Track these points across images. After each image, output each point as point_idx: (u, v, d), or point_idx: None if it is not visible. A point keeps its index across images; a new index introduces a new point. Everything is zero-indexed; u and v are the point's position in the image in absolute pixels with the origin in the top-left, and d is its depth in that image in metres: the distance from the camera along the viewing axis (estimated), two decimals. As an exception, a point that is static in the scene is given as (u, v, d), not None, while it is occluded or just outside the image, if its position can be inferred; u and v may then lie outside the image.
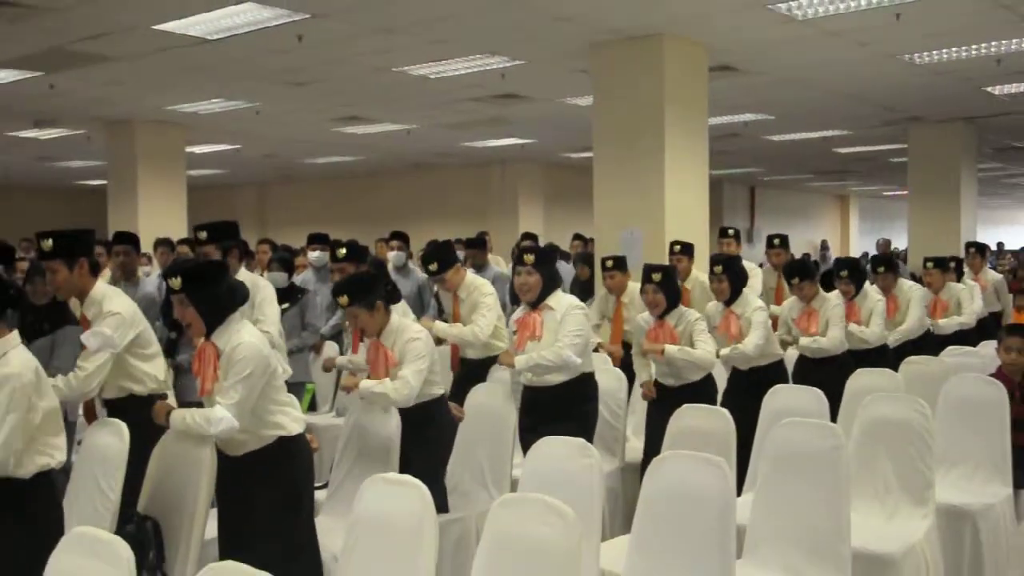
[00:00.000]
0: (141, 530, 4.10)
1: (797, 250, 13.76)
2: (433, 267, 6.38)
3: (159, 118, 13.79)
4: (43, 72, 10.56)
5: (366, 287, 4.93)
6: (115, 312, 4.79)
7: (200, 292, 4.10)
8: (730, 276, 6.27)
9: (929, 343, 8.05)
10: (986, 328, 8.96)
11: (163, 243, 11.20)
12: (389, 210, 20.53)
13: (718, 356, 6.14)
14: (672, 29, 8.99)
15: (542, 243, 12.36)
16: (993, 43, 9.82)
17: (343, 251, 6.71)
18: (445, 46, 9.53)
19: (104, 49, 9.50)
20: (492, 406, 5.42)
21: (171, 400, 4.91)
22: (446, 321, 6.62)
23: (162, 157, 14.45)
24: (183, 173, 14.94)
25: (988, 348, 7.15)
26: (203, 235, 5.67)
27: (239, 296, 4.28)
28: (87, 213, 16.96)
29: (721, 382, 6.34)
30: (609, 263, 7.56)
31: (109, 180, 14.99)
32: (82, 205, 21.41)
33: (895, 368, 6.39)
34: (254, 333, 4.21)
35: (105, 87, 11.35)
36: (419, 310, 8.06)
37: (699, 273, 8.19)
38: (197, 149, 16.41)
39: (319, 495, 5.16)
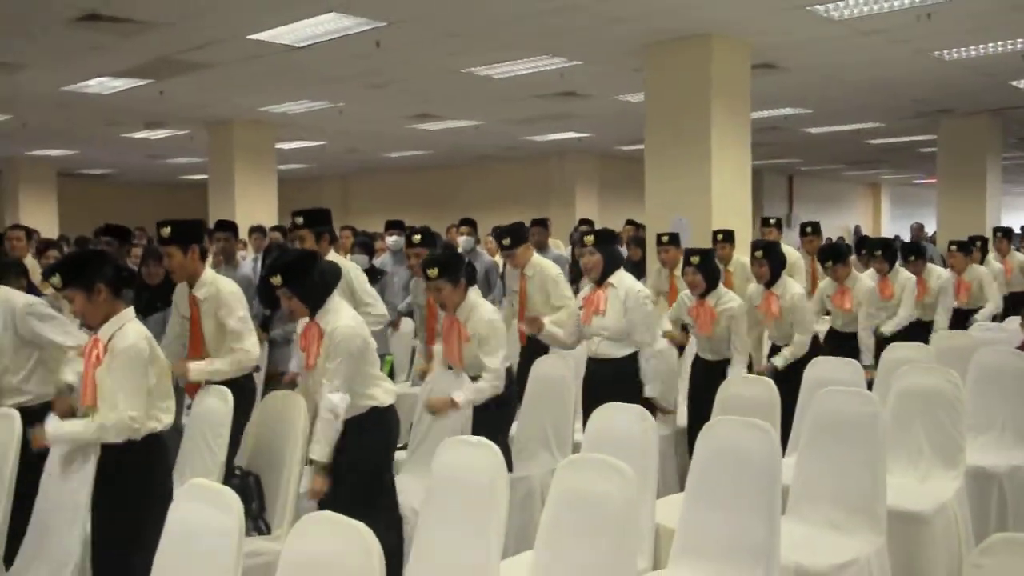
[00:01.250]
0: (244, 483, 4.19)
1: (833, 235, 13.58)
2: (506, 242, 6.44)
3: (253, 118, 13.93)
4: (153, 80, 10.73)
5: (455, 264, 4.95)
6: (233, 291, 4.93)
7: (298, 283, 4.16)
8: (770, 260, 6.23)
9: (955, 321, 8.02)
10: (1013, 306, 8.84)
11: (256, 230, 11.36)
12: (458, 199, 20.59)
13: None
14: (718, 30, 8.90)
15: (596, 228, 12.33)
16: (1019, 40, 9.61)
17: (418, 237, 6.74)
18: (509, 49, 9.52)
19: (206, 58, 9.62)
20: (555, 376, 5.42)
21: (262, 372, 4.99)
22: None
23: (256, 153, 14.59)
24: (274, 167, 15.08)
25: (1013, 323, 7.06)
26: (299, 220, 5.71)
27: (332, 277, 4.32)
28: (190, 204, 17.21)
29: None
30: (665, 238, 7.67)
31: (209, 174, 15.19)
32: (185, 197, 21.72)
33: (926, 342, 6.33)
34: (351, 315, 4.26)
35: (206, 92, 11.50)
36: (485, 291, 8.10)
37: (740, 256, 8.16)
38: (286, 145, 16.57)
39: (399, 455, 5.22)
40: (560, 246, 11.41)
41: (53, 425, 3.71)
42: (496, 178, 21.38)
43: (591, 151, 19.42)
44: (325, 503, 4.01)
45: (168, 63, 9.81)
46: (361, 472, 4.22)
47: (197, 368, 4.75)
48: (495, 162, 20.98)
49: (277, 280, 4.16)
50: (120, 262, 4.00)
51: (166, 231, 4.92)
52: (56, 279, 3.76)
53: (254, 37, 8.75)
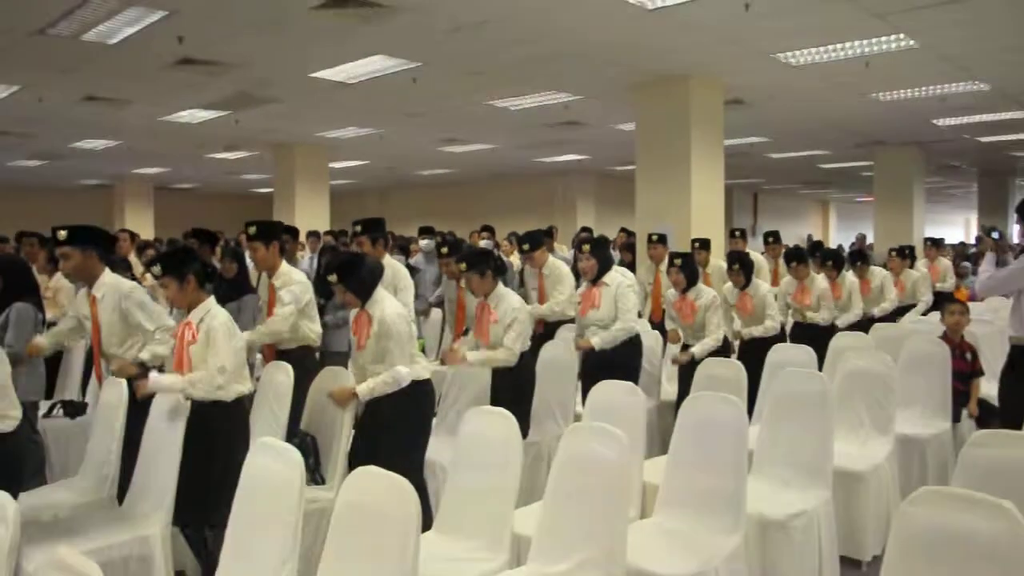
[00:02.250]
0: (303, 443, 4.16)
1: (790, 243, 13.50)
2: (525, 247, 6.43)
3: (311, 142, 13.96)
4: (231, 111, 10.80)
5: (480, 258, 4.96)
6: (301, 280, 4.96)
7: (350, 279, 4.16)
8: (744, 270, 6.24)
9: (891, 314, 8.02)
10: (938, 303, 8.83)
11: (312, 234, 11.38)
12: (478, 209, 20.56)
13: (738, 336, 6.32)
14: (696, 72, 8.89)
15: (592, 236, 12.32)
16: (939, 86, 9.69)
17: (445, 249, 6.64)
18: (522, 85, 9.52)
19: (274, 93, 9.66)
20: (559, 358, 5.38)
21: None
22: (524, 294, 6.63)
23: (312, 171, 14.63)
24: (327, 182, 15.10)
25: (937, 317, 7.02)
26: (358, 228, 5.69)
27: (378, 274, 4.32)
28: (258, 213, 17.14)
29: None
30: (654, 237, 7.72)
31: (275, 188, 15.22)
32: (254, 207, 21.67)
33: (867, 332, 6.32)
34: (395, 304, 4.24)
35: (274, 120, 11.53)
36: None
37: (716, 260, 8.12)
38: (337, 164, 16.55)
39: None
40: (564, 250, 11.40)
41: (154, 377, 3.72)
42: (510, 192, 21.34)
43: (590, 171, 19.38)
44: (367, 458, 3.96)
45: (244, 97, 9.85)
46: (401, 433, 4.17)
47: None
48: (509, 179, 20.95)
49: (333, 278, 4.17)
50: (207, 260, 4.01)
51: (252, 229, 4.93)
52: (157, 268, 3.81)
53: (314, 75, 8.77)
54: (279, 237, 5.10)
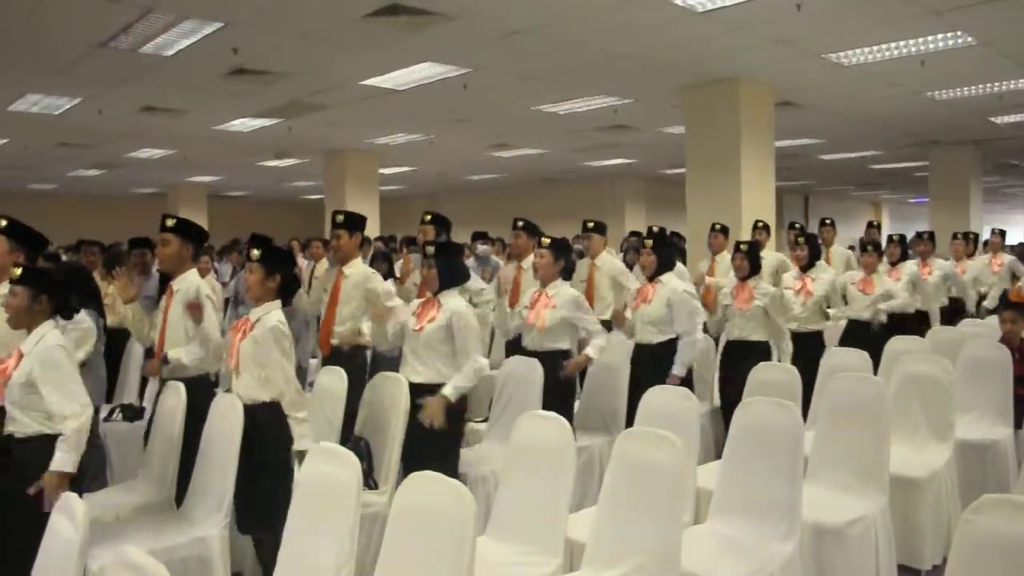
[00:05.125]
0: (357, 446, 4.17)
1: (842, 245, 13.27)
2: (590, 224, 6.69)
3: (361, 148, 14.07)
4: (283, 119, 10.93)
5: (564, 246, 5.11)
6: (374, 273, 5.06)
7: (444, 259, 4.23)
8: (811, 248, 6.26)
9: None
10: (1003, 301, 8.61)
11: (364, 240, 11.47)
12: (527, 214, 20.16)
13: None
14: (746, 74, 8.80)
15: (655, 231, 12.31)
16: (997, 83, 9.47)
17: (521, 223, 7.02)
18: (572, 89, 9.51)
19: (325, 100, 9.76)
20: (612, 362, 5.34)
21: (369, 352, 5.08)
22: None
23: (362, 177, 14.71)
24: (377, 188, 15.18)
25: (995, 320, 6.87)
26: (427, 217, 5.93)
27: (465, 274, 4.37)
28: (309, 219, 17.41)
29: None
30: (717, 226, 7.79)
31: (325, 194, 15.34)
32: (305, 213, 22.02)
33: (923, 335, 6.20)
34: (466, 303, 4.30)
35: (325, 127, 11.65)
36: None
37: (768, 251, 8.10)
38: (386, 170, 16.66)
39: (481, 427, 5.21)
40: (612, 253, 11.34)
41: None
42: (559, 196, 21.26)
43: (639, 175, 19.26)
44: (414, 461, 3.94)
45: (296, 105, 9.98)
46: (441, 436, 4.13)
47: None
48: (559, 184, 20.91)
49: (431, 250, 4.24)
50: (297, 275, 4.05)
51: (340, 217, 5.03)
52: (256, 252, 3.84)
53: (365, 83, 8.86)
54: (362, 229, 5.19)
